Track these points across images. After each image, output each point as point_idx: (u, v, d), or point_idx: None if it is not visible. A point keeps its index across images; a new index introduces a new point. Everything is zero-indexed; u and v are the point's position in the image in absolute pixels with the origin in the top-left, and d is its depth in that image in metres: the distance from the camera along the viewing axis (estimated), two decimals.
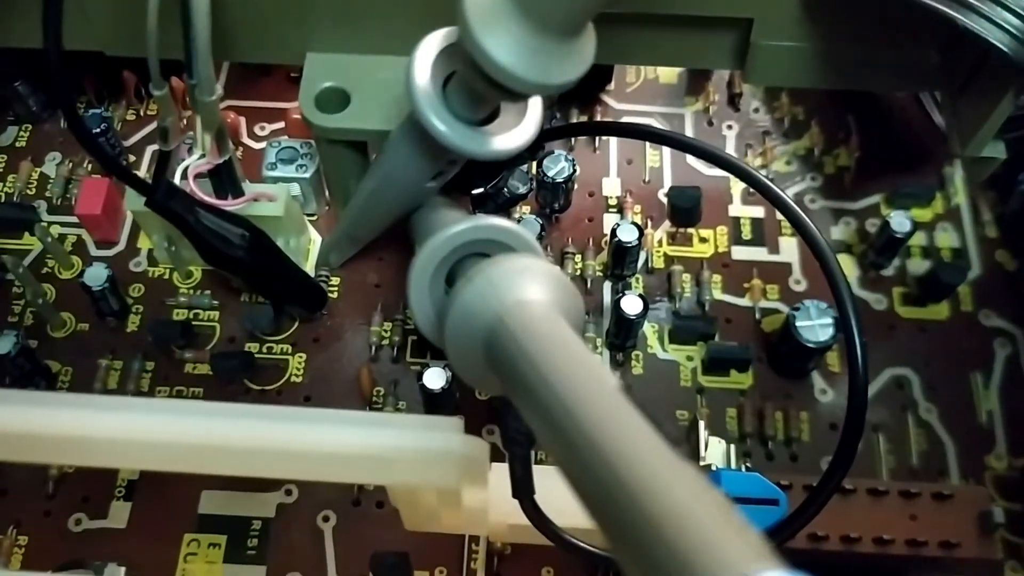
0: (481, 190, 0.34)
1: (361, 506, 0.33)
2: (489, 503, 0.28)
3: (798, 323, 0.33)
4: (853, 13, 0.29)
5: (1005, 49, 0.25)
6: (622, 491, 0.15)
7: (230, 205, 0.32)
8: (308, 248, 0.37)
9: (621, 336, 0.34)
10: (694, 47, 0.31)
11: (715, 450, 0.30)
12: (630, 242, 0.34)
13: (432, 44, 0.27)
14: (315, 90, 0.31)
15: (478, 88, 0.25)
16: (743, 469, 0.29)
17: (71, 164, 0.39)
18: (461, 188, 0.35)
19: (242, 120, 0.40)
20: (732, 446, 0.30)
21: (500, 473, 0.27)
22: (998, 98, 0.27)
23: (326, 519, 0.32)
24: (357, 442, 0.24)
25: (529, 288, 0.23)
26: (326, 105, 0.31)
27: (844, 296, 0.25)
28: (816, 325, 0.33)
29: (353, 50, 0.31)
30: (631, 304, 0.33)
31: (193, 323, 0.35)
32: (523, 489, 0.26)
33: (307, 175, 0.36)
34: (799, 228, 0.27)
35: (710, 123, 0.40)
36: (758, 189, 0.28)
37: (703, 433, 0.29)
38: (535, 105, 0.28)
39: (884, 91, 0.36)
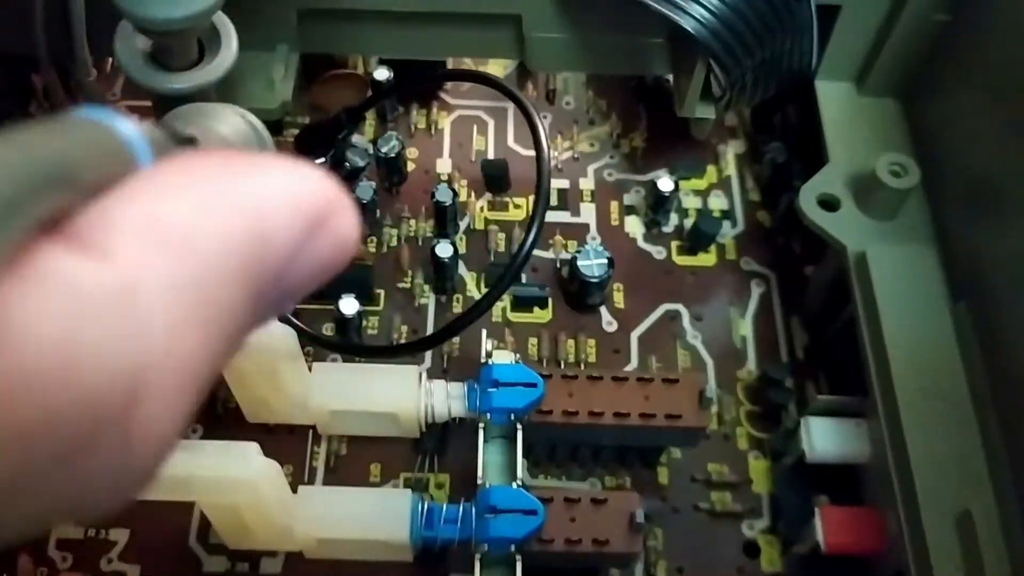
0: (322, 160, 0.42)
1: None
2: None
3: (579, 262, 0.40)
4: (597, 9, 0.37)
5: (692, 31, 0.34)
6: None
7: None
8: None
9: (441, 280, 0.42)
10: (482, 40, 0.39)
11: (500, 357, 0.37)
12: (445, 201, 0.42)
13: None
14: None
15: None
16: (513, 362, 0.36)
17: None
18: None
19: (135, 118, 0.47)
20: (518, 355, 0.37)
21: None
22: (697, 66, 0.36)
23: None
24: None
25: None
26: None
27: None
28: (594, 264, 0.40)
29: None
30: (443, 249, 0.40)
31: None
32: None
33: None
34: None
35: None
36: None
37: (485, 344, 0.36)
38: (225, 52, 0.34)
39: (635, 73, 0.45)
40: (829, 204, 0.37)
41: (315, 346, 0.38)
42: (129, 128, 0.12)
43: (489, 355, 0.37)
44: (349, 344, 0.39)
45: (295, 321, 0.35)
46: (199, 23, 0.31)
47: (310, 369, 0.36)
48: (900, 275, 0.34)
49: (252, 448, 0.30)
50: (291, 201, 0.13)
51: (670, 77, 0.47)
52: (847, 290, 0.38)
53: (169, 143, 0.14)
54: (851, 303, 0.35)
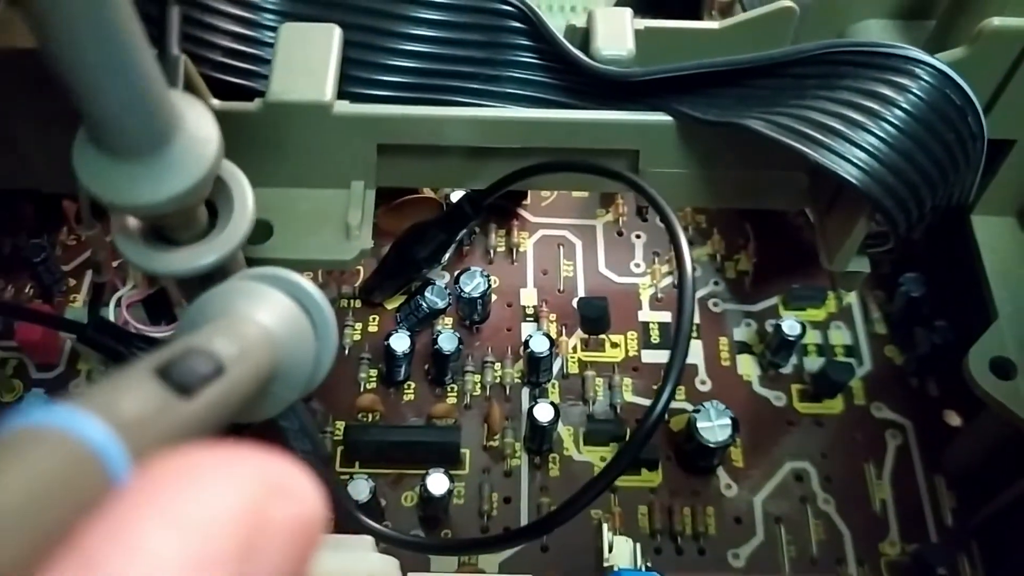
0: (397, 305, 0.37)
1: None
2: None
3: (699, 424, 0.35)
4: (725, 144, 0.32)
5: (854, 181, 0.28)
6: None
7: (160, 332, 0.34)
8: None
9: (536, 441, 0.36)
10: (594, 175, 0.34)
11: (621, 550, 0.31)
12: (542, 352, 0.36)
13: None
14: None
15: None
16: (644, 569, 0.31)
17: (13, 290, 0.40)
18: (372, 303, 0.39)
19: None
20: (638, 545, 0.32)
21: None
22: (856, 219, 0.30)
23: None
24: None
25: None
26: None
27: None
28: (715, 426, 0.35)
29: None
30: (543, 412, 0.35)
31: None
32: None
33: None
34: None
35: (620, 233, 0.43)
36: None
37: (607, 535, 0.31)
38: (241, 209, 0.26)
39: (761, 208, 0.39)
40: (1003, 369, 0.32)
41: (402, 548, 0.32)
42: (99, 434, 0.11)
43: (610, 548, 0.31)
44: (442, 544, 0.33)
45: (373, 524, 0.29)
46: (194, 198, 0.23)
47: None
48: None
49: (367, 542, 0.26)
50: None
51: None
52: (1015, 460, 0.32)
53: (170, 401, 0.14)
54: None
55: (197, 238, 0.26)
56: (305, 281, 0.23)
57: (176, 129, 0.23)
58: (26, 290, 0.40)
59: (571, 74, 0.33)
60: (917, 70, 0.29)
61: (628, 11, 0.34)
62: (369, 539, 0.27)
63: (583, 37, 0.34)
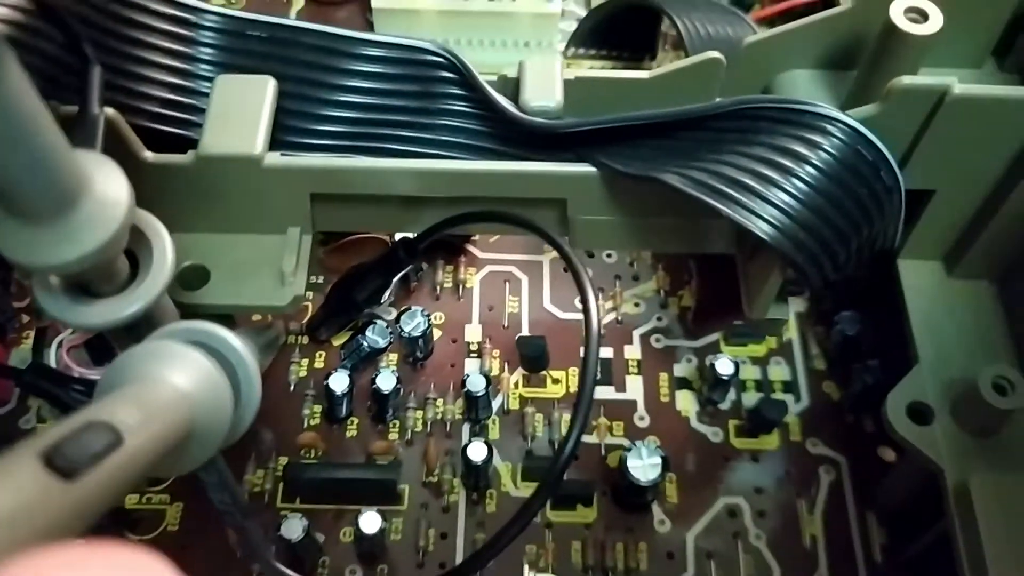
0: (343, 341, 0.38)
1: None
2: None
3: (629, 463, 0.36)
4: (651, 193, 0.32)
5: (765, 237, 0.29)
6: None
7: (99, 374, 0.35)
8: None
9: (472, 478, 0.37)
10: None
11: None
12: (478, 392, 0.37)
13: None
14: None
15: None
16: None
17: None
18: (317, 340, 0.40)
19: None
20: None
21: None
22: (772, 270, 0.31)
23: None
24: None
25: None
26: None
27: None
28: (646, 464, 0.36)
29: None
30: (476, 451, 0.36)
31: None
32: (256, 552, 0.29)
33: None
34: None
35: (566, 269, 0.44)
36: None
37: (527, 572, 0.32)
38: (160, 260, 0.27)
39: (692, 252, 0.40)
40: (920, 415, 0.32)
41: None
42: None
43: None
44: None
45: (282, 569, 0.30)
46: (105, 256, 0.24)
47: None
48: (1013, 514, 0.30)
49: None
50: None
51: None
52: (939, 501, 0.33)
53: (50, 487, 0.14)
54: (951, 538, 0.31)
55: (119, 289, 0.27)
56: (231, 337, 0.24)
57: (82, 191, 0.24)
58: None
59: (501, 123, 0.34)
60: (829, 127, 0.29)
61: (558, 60, 0.35)
62: None
63: (514, 87, 0.34)
